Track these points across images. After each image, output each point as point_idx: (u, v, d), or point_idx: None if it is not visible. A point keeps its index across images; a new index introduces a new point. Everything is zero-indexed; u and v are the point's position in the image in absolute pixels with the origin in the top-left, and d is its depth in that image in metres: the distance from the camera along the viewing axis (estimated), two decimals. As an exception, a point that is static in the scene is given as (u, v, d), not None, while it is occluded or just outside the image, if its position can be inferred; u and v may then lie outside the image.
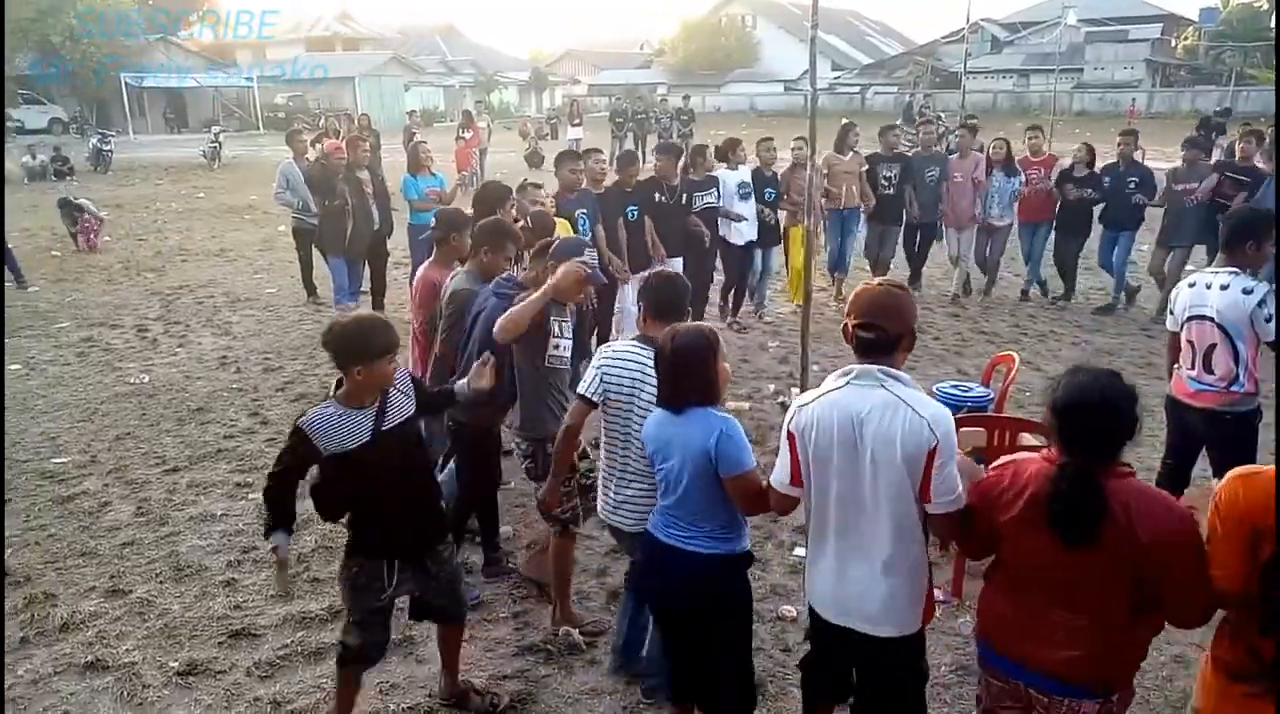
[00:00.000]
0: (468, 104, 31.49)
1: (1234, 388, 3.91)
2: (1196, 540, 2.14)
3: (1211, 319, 3.90)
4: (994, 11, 56.64)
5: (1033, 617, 2.30)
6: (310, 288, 9.73)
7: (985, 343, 8.08)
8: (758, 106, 48.30)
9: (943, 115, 25.58)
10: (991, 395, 4.95)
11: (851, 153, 9.00)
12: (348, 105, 38.94)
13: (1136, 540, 2.10)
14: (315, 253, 9.41)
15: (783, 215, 8.78)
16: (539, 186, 6.38)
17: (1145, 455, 5.49)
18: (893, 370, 2.42)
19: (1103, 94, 41.80)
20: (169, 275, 11.32)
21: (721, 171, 8.17)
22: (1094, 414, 2.19)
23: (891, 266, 9.46)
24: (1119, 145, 8.76)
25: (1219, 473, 4.18)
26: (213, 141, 25.13)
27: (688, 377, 2.78)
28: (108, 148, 23.99)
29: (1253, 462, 4.01)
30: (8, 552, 4.62)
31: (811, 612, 2.69)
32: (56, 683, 3.62)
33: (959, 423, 4.30)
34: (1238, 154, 8.37)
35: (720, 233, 8.08)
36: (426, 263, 4.91)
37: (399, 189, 8.66)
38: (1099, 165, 8.96)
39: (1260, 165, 8.32)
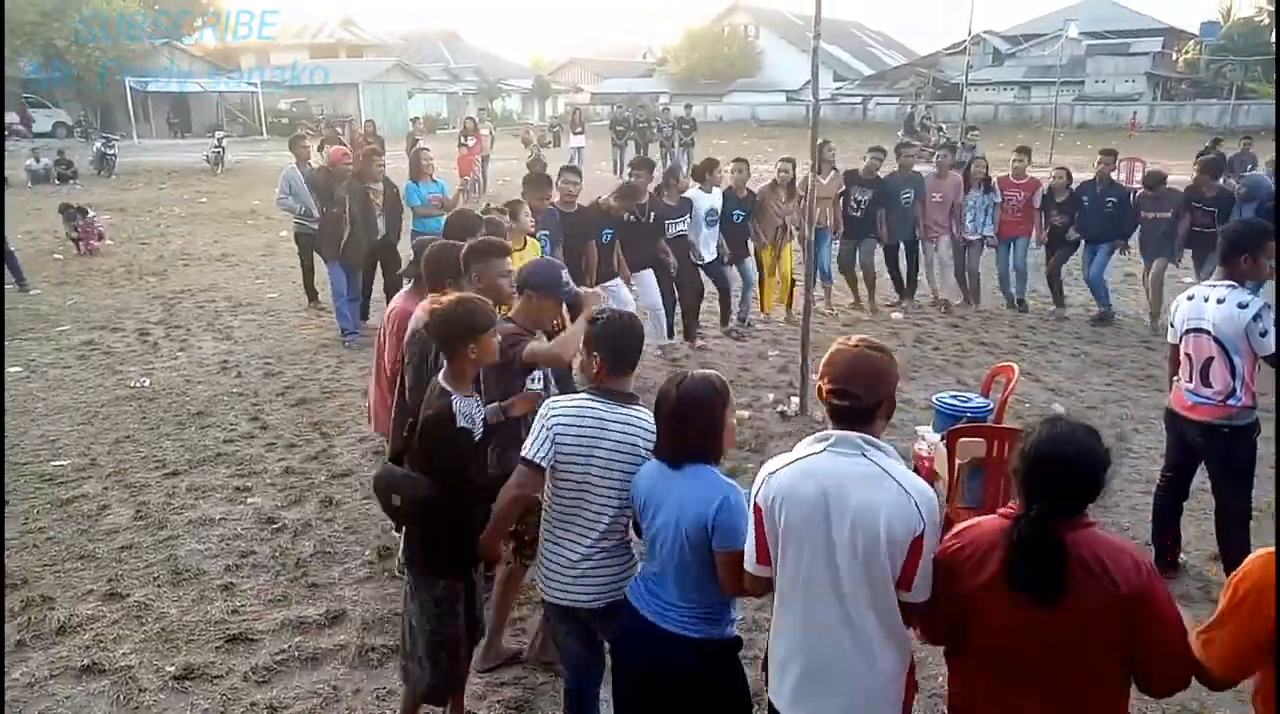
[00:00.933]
0: (471, 111, 31.63)
1: (1231, 401, 3.92)
2: (1164, 586, 2.02)
3: (1208, 332, 3.91)
4: (996, 24, 56.78)
5: (1009, 710, 2.09)
6: (312, 293, 9.75)
7: (985, 353, 8.09)
8: (759, 116, 48.41)
9: (944, 127, 25.69)
10: (991, 406, 4.97)
11: (831, 171, 8.98)
12: (351, 112, 39.08)
13: (1118, 593, 1.94)
14: (317, 258, 9.44)
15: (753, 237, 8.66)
16: (503, 211, 5.81)
17: (1145, 468, 5.51)
18: (875, 439, 2.17)
19: (1104, 107, 41.93)
20: (171, 279, 11.34)
21: (695, 193, 8.00)
22: (1065, 468, 2.01)
23: (877, 284, 9.58)
24: (1098, 164, 8.94)
25: (1217, 485, 4.21)
26: (216, 146, 25.21)
27: (691, 428, 2.50)
28: (111, 152, 24.06)
29: (1250, 475, 4.05)
30: (6, 554, 4.61)
31: (772, 710, 2.37)
32: (52, 686, 3.62)
33: (959, 433, 4.33)
34: (1199, 186, 8.41)
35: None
36: (403, 292, 4.46)
37: (402, 196, 8.69)
38: (1077, 182, 9.21)
39: (1226, 186, 8.63)
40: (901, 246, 9.50)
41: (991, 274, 9.88)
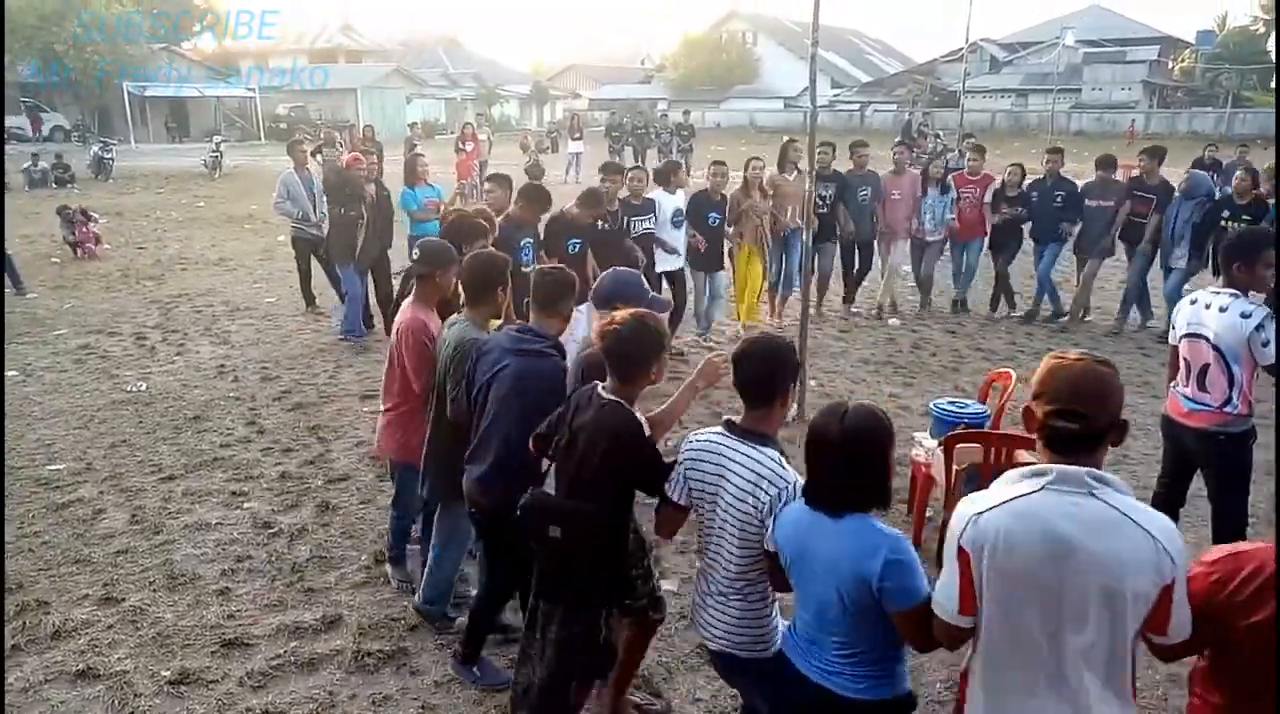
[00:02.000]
0: (469, 117, 31.63)
1: (1227, 409, 3.92)
2: None
3: (1207, 339, 3.91)
4: (993, 31, 57.03)
5: None
6: (309, 298, 9.74)
7: (982, 360, 8.09)
8: (757, 122, 48.54)
9: (941, 134, 25.72)
10: (988, 412, 4.97)
11: (795, 172, 8.77)
12: (350, 117, 39.10)
13: None
14: (314, 263, 9.44)
15: (728, 239, 8.43)
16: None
17: (1142, 475, 5.51)
18: (1104, 474, 1.92)
19: (1100, 114, 42.10)
20: (168, 283, 11.33)
21: (659, 194, 7.78)
22: None
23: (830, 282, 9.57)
24: (1047, 163, 9.15)
25: (1213, 493, 4.21)
26: (214, 151, 25.21)
27: (859, 473, 2.19)
28: (109, 156, 24.07)
29: (1247, 482, 4.05)
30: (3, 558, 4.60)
31: None
32: (47, 691, 3.61)
33: (956, 439, 4.33)
34: (1142, 173, 8.74)
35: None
36: (409, 303, 4.08)
37: (398, 202, 8.70)
38: (1028, 181, 9.41)
39: (1170, 182, 8.80)
40: (855, 252, 9.42)
41: (944, 273, 10.01)
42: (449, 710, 3.51)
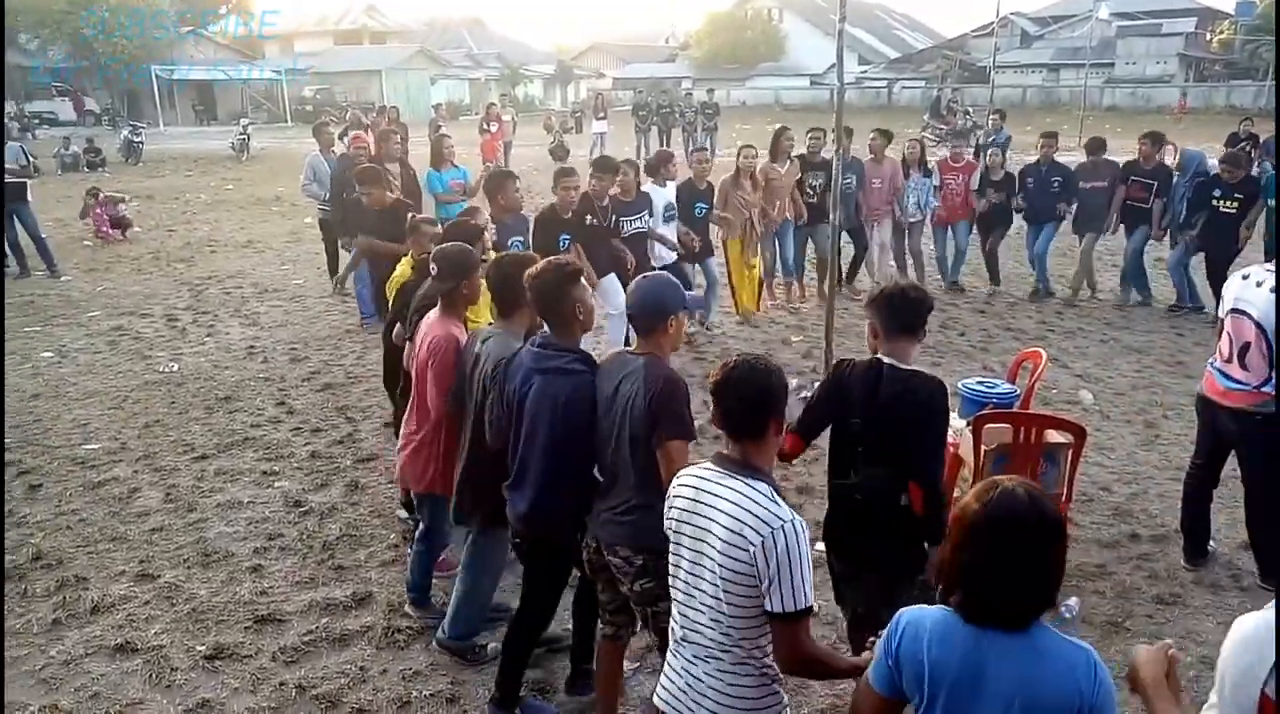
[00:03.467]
0: (493, 97, 31.61)
1: (1265, 388, 3.85)
2: None
3: (1250, 316, 3.84)
4: (1024, 5, 55.90)
5: None
6: (336, 277, 9.79)
7: (1011, 339, 8.01)
8: (783, 100, 48.05)
9: (970, 110, 25.36)
10: (1018, 392, 4.92)
11: (788, 161, 8.59)
12: (375, 98, 39.19)
13: None
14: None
15: (716, 228, 8.10)
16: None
17: (1175, 455, 5.45)
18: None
19: (1134, 89, 41.24)
20: (198, 266, 11.46)
21: (650, 188, 7.39)
22: None
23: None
24: (1041, 147, 9.21)
25: (1247, 473, 4.15)
26: (241, 134, 25.40)
27: (1040, 569, 1.67)
28: (138, 139, 24.32)
29: (1282, 463, 3.98)
30: (41, 535, 4.71)
31: None
32: (88, 664, 3.69)
33: (985, 419, 4.29)
34: (1140, 157, 8.72)
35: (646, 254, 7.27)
36: (435, 316, 3.69)
37: (424, 183, 8.71)
38: (1024, 163, 9.55)
39: (1168, 163, 8.84)
40: (844, 234, 9.11)
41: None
42: (478, 686, 3.55)
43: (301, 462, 5.60)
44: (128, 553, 4.55)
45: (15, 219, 10.63)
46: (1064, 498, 4.19)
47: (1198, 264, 8.58)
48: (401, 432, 3.91)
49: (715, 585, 2.15)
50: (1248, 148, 11.17)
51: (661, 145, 22.12)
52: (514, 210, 6.09)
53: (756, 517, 2.09)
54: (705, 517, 2.19)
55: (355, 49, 53.07)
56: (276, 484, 5.29)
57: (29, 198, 10.74)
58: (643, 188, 7.30)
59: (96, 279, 10.73)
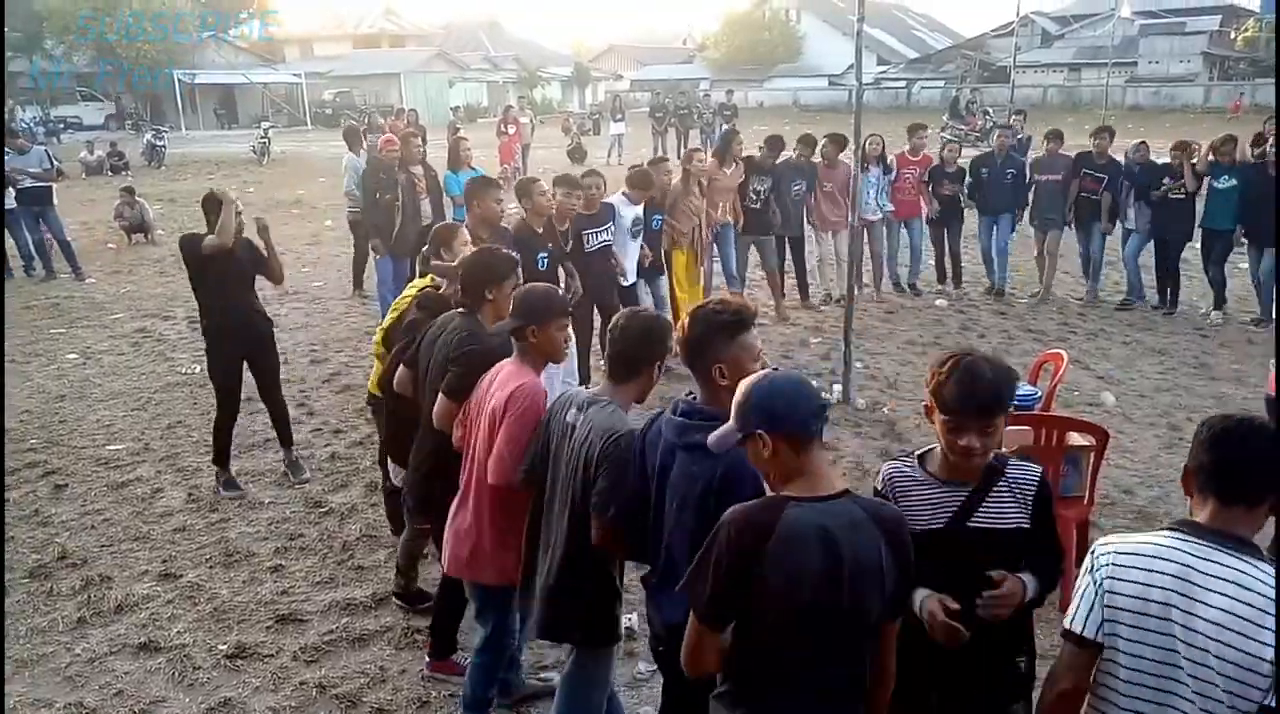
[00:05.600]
0: (511, 100, 31.71)
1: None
2: None
3: None
4: (1045, 4, 55.28)
5: None
6: (358, 282, 9.87)
7: (1032, 341, 7.94)
8: (801, 101, 47.91)
9: (990, 110, 25.18)
10: (1039, 394, 4.88)
11: (735, 164, 8.20)
12: (394, 101, 39.43)
13: None
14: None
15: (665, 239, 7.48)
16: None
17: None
18: None
19: (1158, 88, 40.79)
20: (219, 268, 11.55)
21: (617, 199, 6.73)
22: None
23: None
24: (997, 137, 9.47)
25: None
26: (262, 137, 25.60)
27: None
28: (161, 143, 24.57)
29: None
30: (66, 535, 4.77)
31: None
32: (112, 662, 3.74)
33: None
34: (1093, 151, 8.89)
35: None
36: (511, 365, 3.02)
37: (442, 185, 8.76)
38: (973, 156, 9.76)
39: (1117, 158, 9.02)
40: (786, 247, 8.87)
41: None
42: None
43: (322, 462, 5.64)
44: (151, 552, 4.60)
45: (41, 222, 10.79)
46: (1086, 501, 4.16)
47: (1144, 257, 8.89)
48: (454, 501, 3.18)
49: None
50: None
51: (680, 147, 22.15)
52: (493, 222, 5.36)
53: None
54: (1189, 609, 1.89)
55: (374, 53, 53.38)
56: (297, 485, 5.33)
57: (54, 201, 10.88)
58: (608, 199, 6.63)
59: (120, 281, 10.85)
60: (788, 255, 8.94)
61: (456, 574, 3.18)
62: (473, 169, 8.63)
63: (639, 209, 6.85)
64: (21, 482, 5.44)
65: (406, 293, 4.33)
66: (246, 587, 4.27)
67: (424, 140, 12.92)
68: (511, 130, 18.56)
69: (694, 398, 2.45)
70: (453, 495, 3.19)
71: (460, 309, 3.39)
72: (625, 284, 6.76)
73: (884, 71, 50.79)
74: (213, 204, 5.11)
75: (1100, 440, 4.10)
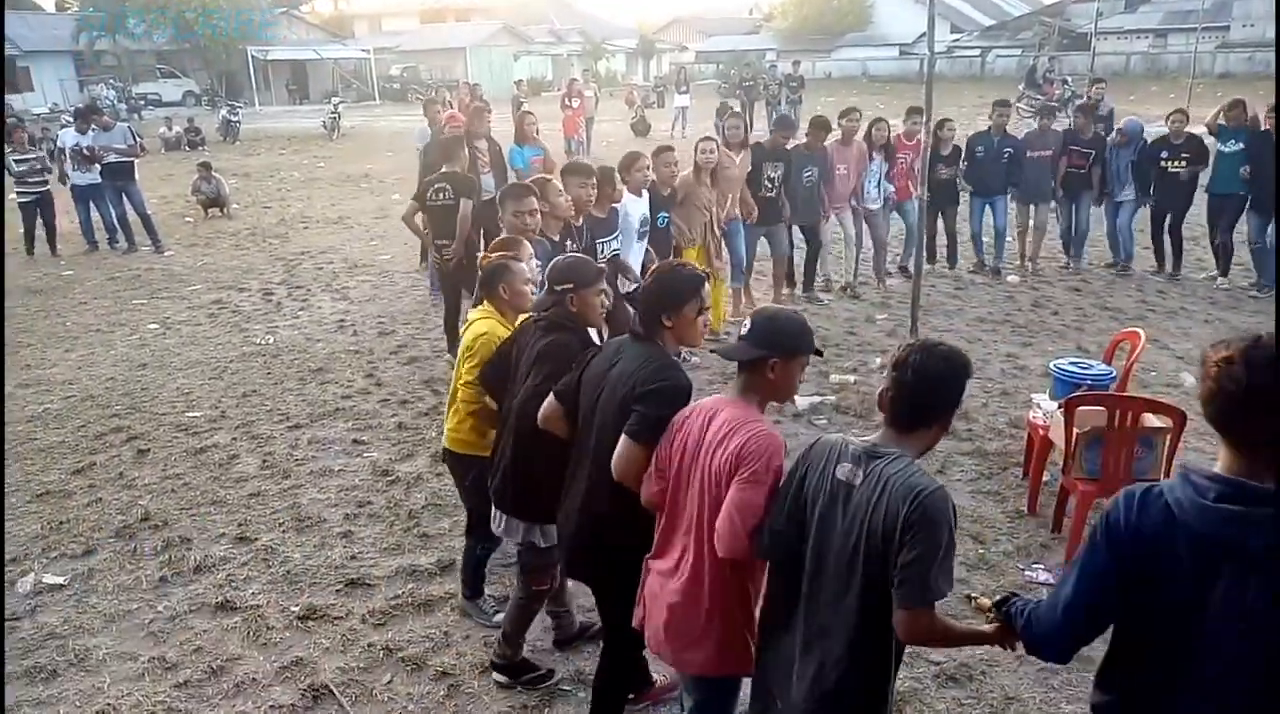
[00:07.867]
0: (575, 73, 31.65)
1: None
2: None
3: None
4: (1130, -34, 52.86)
5: None
6: (425, 255, 10.01)
7: (1108, 319, 7.69)
8: (870, 72, 46.80)
9: (1069, 79, 24.28)
10: (1114, 374, 4.73)
11: (743, 151, 7.53)
12: (459, 75, 39.75)
13: None
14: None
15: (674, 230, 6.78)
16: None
17: (1209, 447, 5.15)
18: None
19: (1252, 53, 38.73)
20: (291, 241, 11.86)
21: (626, 199, 5.96)
22: None
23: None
24: (993, 116, 9.14)
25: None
26: (332, 112, 26.07)
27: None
28: (235, 119, 25.21)
29: None
30: (149, 497, 4.98)
31: None
32: (191, 620, 3.90)
33: (1078, 401, 4.14)
34: (1077, 128, 8.98)
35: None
36: (729, 403, 2.46)
37: (507, 158, 8.81)
38: (970, 133, 9.41)
39: (1104, 135, 9.06)
40: (803, 238, 8.41)
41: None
42: (558, 655, 3.61)
43: (389, 432, 5.77)
44: (227, 516, 4.78)
45: (124, 196, 11.19)
46: (1162, 485, 4.02)
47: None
48: (654, 566, 2.57)
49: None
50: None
51: (745, 119, 21.85)
52: (561, 220, 5.00)
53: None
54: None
55: (440, 27, 53.81)
56: (366, 454, 5.47)
57: (136, 176, 11.27)
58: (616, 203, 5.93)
59: (197, 254, 11.22)
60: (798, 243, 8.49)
61: (657, 652, 2.61)
62: (538, 142, 8.66)
63: (645, 207, 6.18)
64: (108, 446, 5.69)
65: (496, 331, 3.48)
66: (317, 551, 4.41)
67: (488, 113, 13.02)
68: (576, 104, 18.53)
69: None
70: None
71: (629, 335, 2.80)
72: (628, 290, 5.57)
73: (957, 40, 49.21)
74: None
75: (1177, 422, 3.96)
